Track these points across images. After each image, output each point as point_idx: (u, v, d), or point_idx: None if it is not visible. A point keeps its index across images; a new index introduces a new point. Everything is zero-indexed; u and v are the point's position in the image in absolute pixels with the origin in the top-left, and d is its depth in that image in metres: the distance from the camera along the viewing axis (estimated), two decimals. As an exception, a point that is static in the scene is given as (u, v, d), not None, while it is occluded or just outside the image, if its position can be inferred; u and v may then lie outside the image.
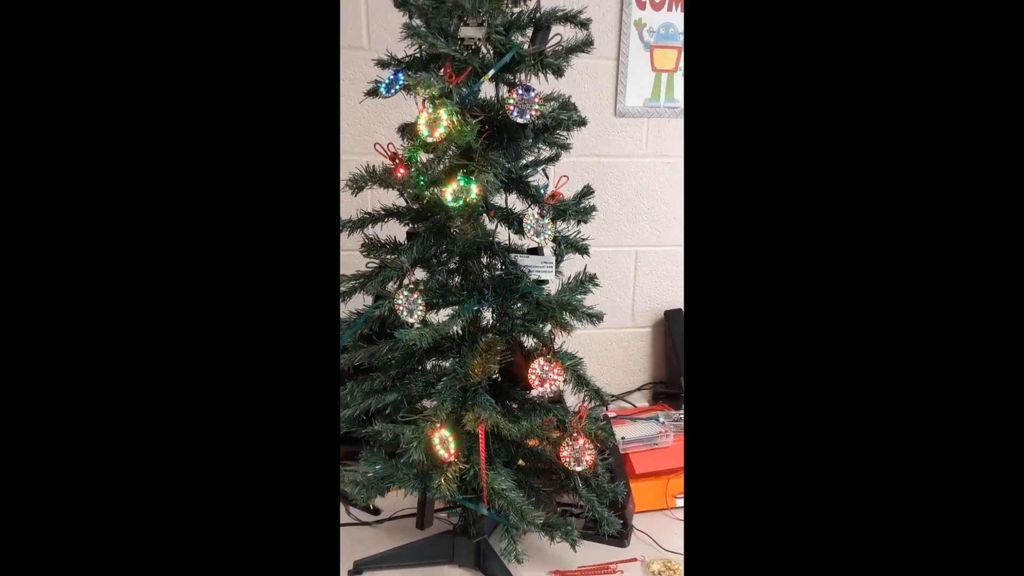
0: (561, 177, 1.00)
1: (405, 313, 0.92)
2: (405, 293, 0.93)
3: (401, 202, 1.05)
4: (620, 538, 1.22)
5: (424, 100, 0.87)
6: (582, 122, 0.92)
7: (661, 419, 1.55)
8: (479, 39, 0.87)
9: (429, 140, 0.88)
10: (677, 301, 1.78)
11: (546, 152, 1.03)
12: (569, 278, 1.06)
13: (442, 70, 0.89)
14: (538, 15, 0.94)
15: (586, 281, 1.04)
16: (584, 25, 0.93)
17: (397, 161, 1.04)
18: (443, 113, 0.85)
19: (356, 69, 1.46)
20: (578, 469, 1.01)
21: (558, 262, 1.04)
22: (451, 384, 0.98)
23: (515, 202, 1.03)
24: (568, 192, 1.02)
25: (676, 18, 1.54)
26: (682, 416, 1.60)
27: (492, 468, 0.99)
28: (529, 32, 0.95)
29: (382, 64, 1.02)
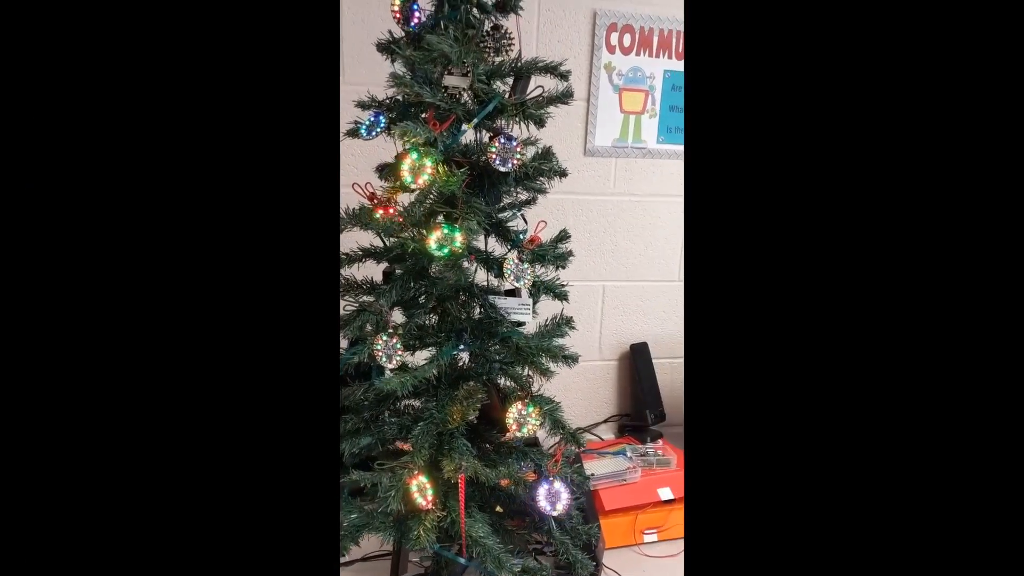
0: (540, 222, 1.01)
1: (384, 359, 0.91)
2: (384, 338, 0.92)
3: (377, 241, 1.04)
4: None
5: (406, 146, 0.87)
6: (563, 172, 0.94)
7: (628, 453, 1.57)
8: (463, 88, 0.88)
9: (412, 187, 0.88)
10: (643, 335, 1.81)
11: (523, 195, 1.05)
12: (546, 320, 1.07)
13: (425, 117, 0.89)
14: (519, 64, 0.95)
15: (563, 324, 1.05)
16: (564, 76, 0.96)
17: (375, 202, 1.04)
18: (427, 161, 0.86)
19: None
20: (554, 513, 1.01)
21: (534, 303, 1.05)
22: (427, 429, 0.97)
23: (494, 245, 1.03)
24: (543, 235, 1.04)
25: (644, 62, 1.60)
26: (648, 450, 1.62)
27: (469, 515, 0.98)
28: (510, 81, 0.97)
29: (362, 105, 1.02)
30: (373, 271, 1.07)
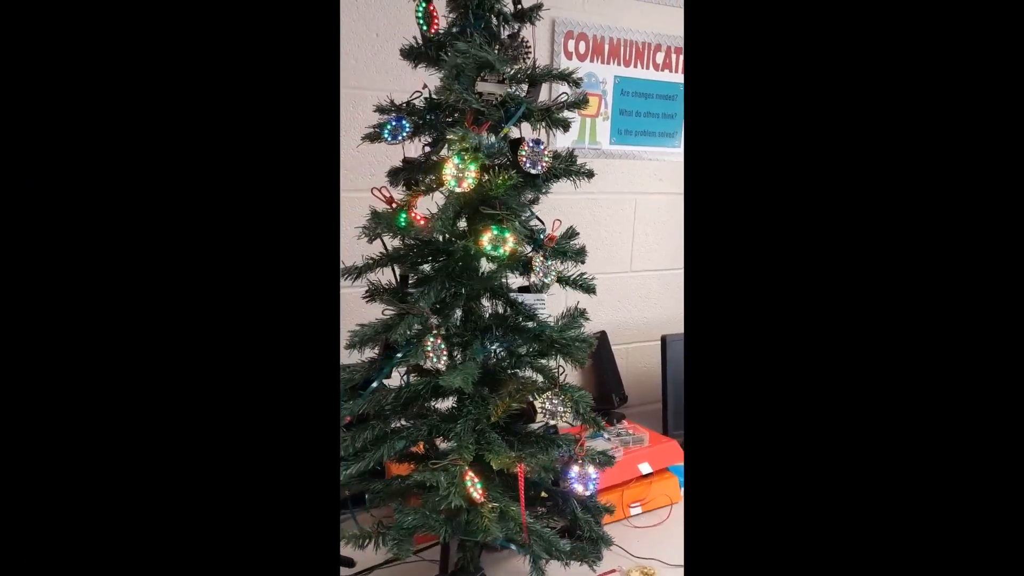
0: (555, 220, 1.07)
1: (435, 359, 0.93)
2: (431, 339, 0.94)
3: (379, 245, 1.05)
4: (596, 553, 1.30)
5: (452, 150, 0.89)
6: (590, 173, 1.01)
7: (605, 435, 1.67)
8: (499, 95, 0.92)
9: (456, 190, 0.90)
10: (601, 324, 1.92)
11: (529, 195, 1.10)
12: (560, 313, 1.13)
13: (465, 122, 0.92)
14: (534, 71, 1.01)
15: (578, 316, 1.12)
16: (577, 83, 1.02)
17: (395, 206, 1.04)
18: (472, 166, 0.88)
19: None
20: (586, 494, 1.08)
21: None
22: (468, 425, 1.00)
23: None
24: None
25: (597, 68, 1.70)
26: (620, 430, 1.73)
27: (510, 504, 1.02)
28: (524, 87, 1.02)
29: (381, 110, 1.02)
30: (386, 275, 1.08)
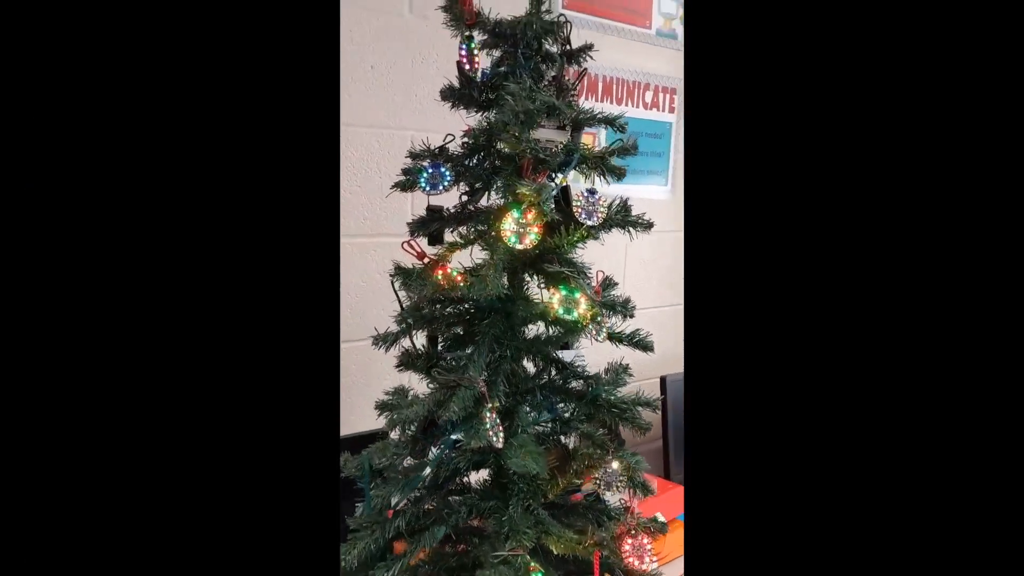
0: (598, 272, 0.99)
1: (494, 438, 0.82)
2: (488, 414, 0.83)
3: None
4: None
5: (511, 202, 0.80)
6: (649, 224, 0.94)
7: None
8: (560, 143, 0.84)
9: (517, 247, 0.81)
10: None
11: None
12: (603, 370, 1.05)
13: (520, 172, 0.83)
14: (580, 115, 0.94)
15: (621, 372, 1.04)
16: (623, 128, 0.96)
17: (427, 262, 0.94)
18: (532, 219, 0.80)
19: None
20: (644, 568, 0.99)
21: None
22: (519, 505, 0.89)
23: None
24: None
25: (592, 106, 1.67)
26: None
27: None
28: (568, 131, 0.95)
29: (414, 156, 0.91)
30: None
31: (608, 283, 1.05)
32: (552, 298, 0.80)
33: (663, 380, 1.75)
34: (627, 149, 0.96)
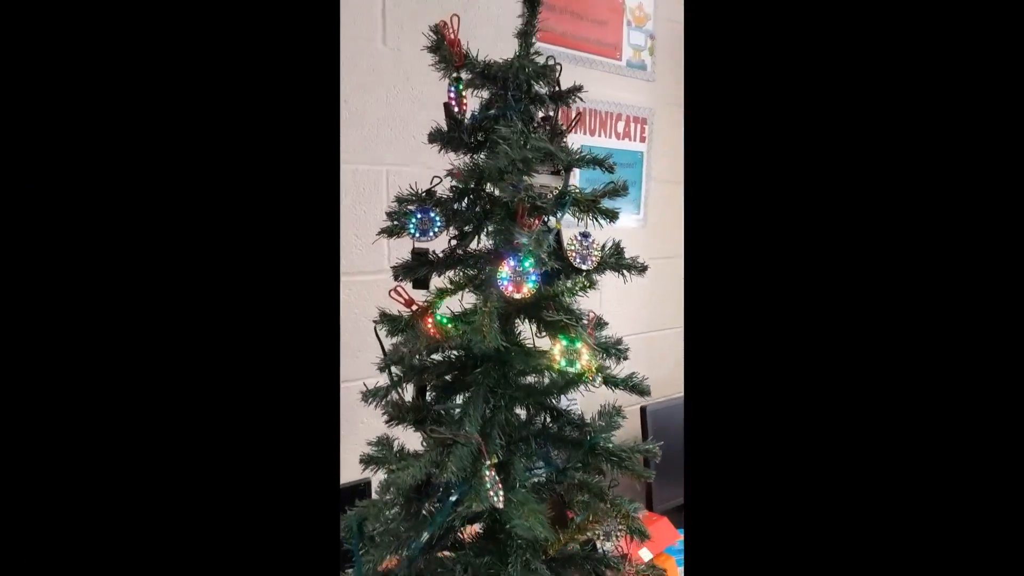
0: (589, 311, 0.97)
1: (495, 498, 0.78)
2: (487, 472, 0.79)
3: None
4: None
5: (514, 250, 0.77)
6: (643, 268, 0.92)
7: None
8: (554, 188, 0.82)
9: (515, 297, 0.77)
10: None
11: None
12: (594, 414, 1.02)
13: (518, 218, 0.80)
14: (570, 156, 0.92)
15: (615, 415, 1.02)
16: (611, 169, 0.94)
17: (416, 309, 0.90)
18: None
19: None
20: (643, 617, 0.96)
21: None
22: (518, 563, 0.85)
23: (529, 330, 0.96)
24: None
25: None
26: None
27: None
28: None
29: (401, 201, 0.87)
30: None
31: (600, 324, 1.03)
32: (553, 349, 0.77)
33: (643, 410, 1.73)
34: (618, 190, 0.95)
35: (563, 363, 0.77)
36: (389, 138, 1.40)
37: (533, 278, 0.78)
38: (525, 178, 0.82)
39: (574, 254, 0.86)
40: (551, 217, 0.85)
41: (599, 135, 1.72)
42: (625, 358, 0.99)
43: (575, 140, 1.67)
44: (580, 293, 0.83)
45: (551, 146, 0.78)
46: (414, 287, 0.94)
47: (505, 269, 0.78)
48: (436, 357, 0.92)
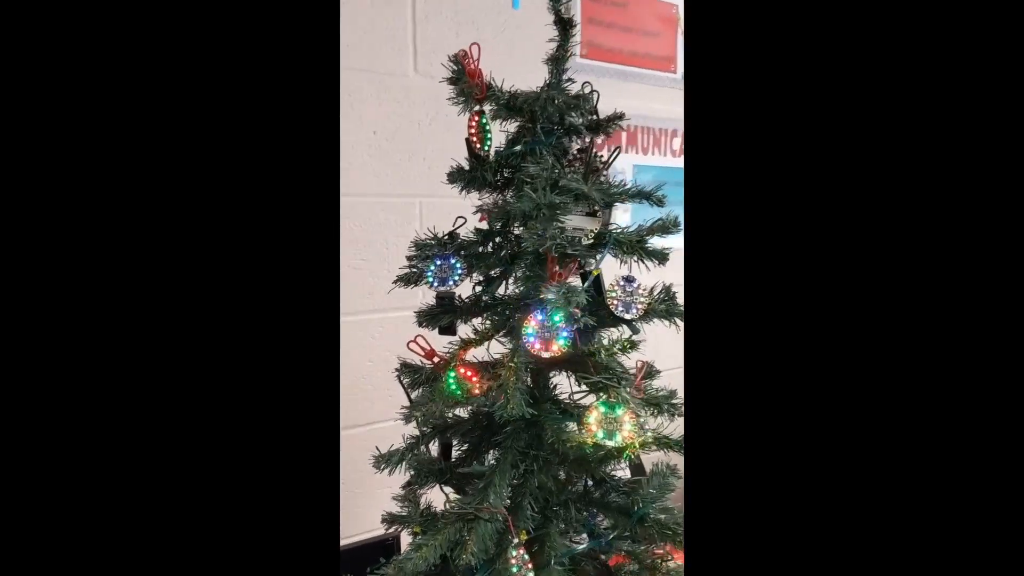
0: (638, 361, 0.87)
1: (524, 585, 0.69)
2: (514, 552, 0.70)
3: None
4: None
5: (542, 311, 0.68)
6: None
7: None
8: (590, 231, 0.72)
9: (544, 355, 0.68)
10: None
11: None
12: (649, 474, 0.91)
13: (547, 268, 0.71)
14: (612, 190, 0.82)
15: (669, 475, 0.90)
16: (660, 202, 0.84)
17: (437, 361, 0.82)
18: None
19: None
20: None
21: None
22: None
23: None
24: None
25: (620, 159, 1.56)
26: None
27: None
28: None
29: (420, 247, 0.80)
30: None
31: (651, 372, 0.92)
32: (589, 418, 0.67)
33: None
34: (668, 227, 0.84)
35: (600, 435, 0.67)
36: (421, 169, 1.34)
37: (564, 334, 0.68)
38: (556, 222, 0.73)
39: (616, 302, 0.76)
40: (590, 261, 0.76)
41: (653, 153, 1.60)
42: (679, 414, 0.88)
43: (628, 160, 1.57)
44: (621, 352, 0.73)
45: (584, 186, 0.69)
46: (440, 334, 0.86)
47: (533, 324, 0.69)
48: (462, 412, 0.84)
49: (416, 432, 0.82)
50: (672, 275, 0.83)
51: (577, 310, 0.68)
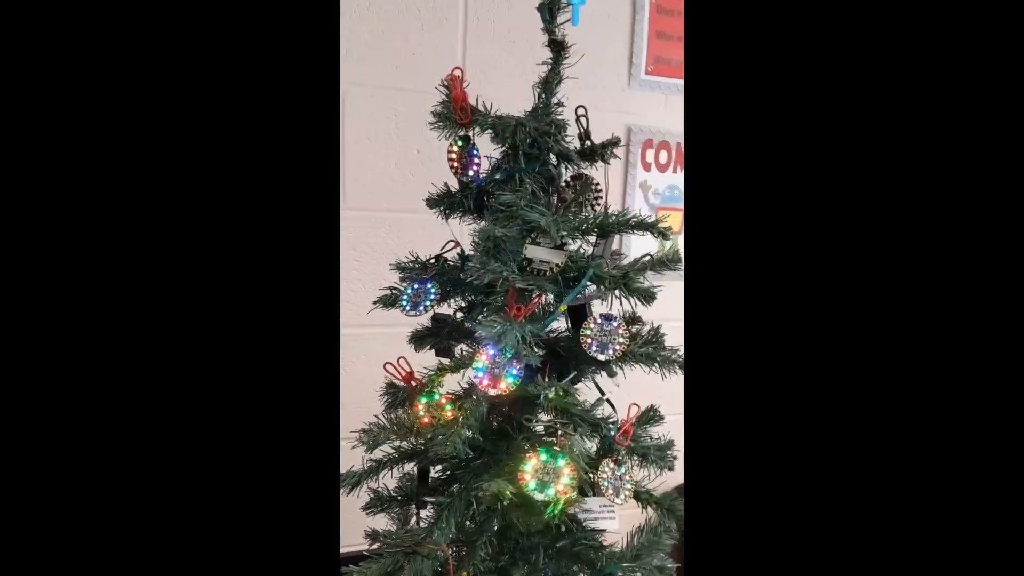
0: (631, 405, 0.80)
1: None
2: (451, 597, 0.67)
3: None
4: None
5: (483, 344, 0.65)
6: (680, 361, 0.74)
7: None
8: (554, 265, 0.68)
9: (538, 496, 0.64)
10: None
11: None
12: (635, 530, 0.84)
13: (505, 301, 0.68)
14: (606, 220, 0.76)
15: (662, 533, 0.83)
16: (665, 235, 0.77)
17: (414, 385, 0.81)
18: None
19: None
20: None
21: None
22: None
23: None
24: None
25: (681, 180, 1.46)
26: None
27: None
28: (592, 238, 0.78)
29: (401, 269, 0.80)
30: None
31: (652, 416, 0.85)
32: (525, 465, 0.63)
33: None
34: (665, 262, 0.78)
35: (531, 485, 0.62)
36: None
37: (513, 372, 0.65)
38: (524, 252, 0.69)
39: (590, 341, 0.70)
40: (562, 300, 0.71)
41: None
42: (669, 468, 0.80)
43: (663, 179, 1.46)
44: (572, 400, 0.68)
45: (541, 217, 0.65)
46: (436, 355, 0.86)
47: (484, 359, 0.66)
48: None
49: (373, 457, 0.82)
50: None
51: (526, 348, 0.64)
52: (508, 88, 0.78)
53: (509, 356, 0.65)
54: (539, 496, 0.61)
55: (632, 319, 0.83)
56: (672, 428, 0.88)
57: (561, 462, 0.63)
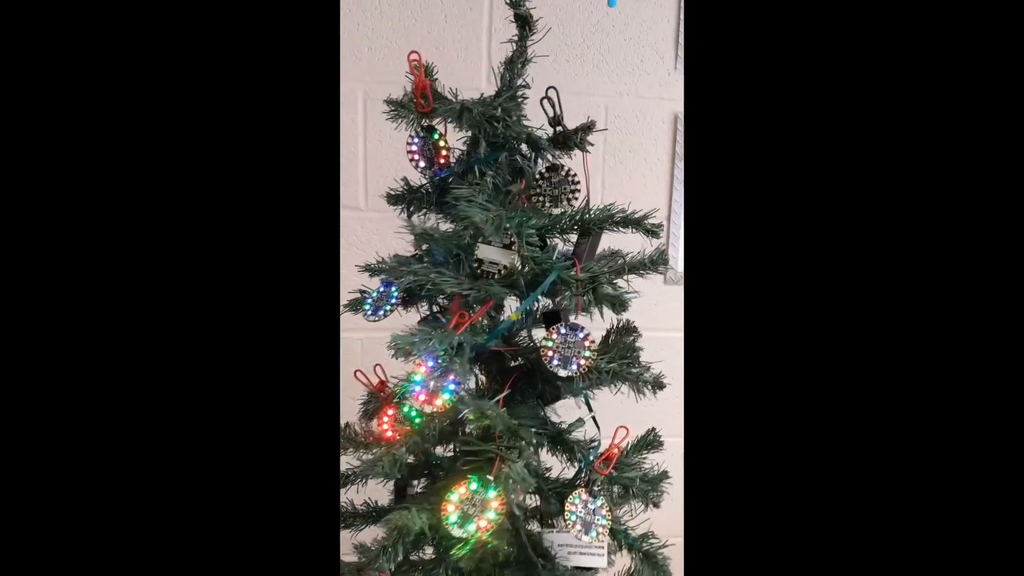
0: (618, 428, 0.70)
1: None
2: (384, 628, 0.61)
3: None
4: None
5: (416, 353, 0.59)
6: (659, 384, 0.63)
7: None
8: (504, 266, 0.60)
9: (427, 410, 0.59)
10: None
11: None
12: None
13: (449, 308, 0.61)
14: (586, 216, 0.67)
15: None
16: (655, 232, 0.66)
17: (384, 396, 0.76)
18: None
19: (348, 230, 1.22)
20: None
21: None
22: None
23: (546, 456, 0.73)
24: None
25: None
26: None
27: None
28: (573, 238, 0.69)
29: (370, 270, 0.76)
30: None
31: (651, 441, 0.74)
32: (450, 495, 0.55)
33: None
34: (647, 264, 0.67)
35: (451, 518, 0.54)
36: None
37: (450, 387, 0.58)
38: (482, 251, 0.62)
39: (552, 353, 0.62)
40: (519, 306, 0.63)
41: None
42: (655, 504, 0.69)
43: None
44: (499, 420, 0.59)
45: (482, 214, 0.57)
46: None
47: (422, 371, 0.60)
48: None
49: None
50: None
51: (460, 362, 0.57)
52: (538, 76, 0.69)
53: (440, 370, 0.58)
54: (457, 532, 0.54)
55: (626, 329, 0.73)
56: (671, 456, 0.75)
57: (491, 493, 0.55)
